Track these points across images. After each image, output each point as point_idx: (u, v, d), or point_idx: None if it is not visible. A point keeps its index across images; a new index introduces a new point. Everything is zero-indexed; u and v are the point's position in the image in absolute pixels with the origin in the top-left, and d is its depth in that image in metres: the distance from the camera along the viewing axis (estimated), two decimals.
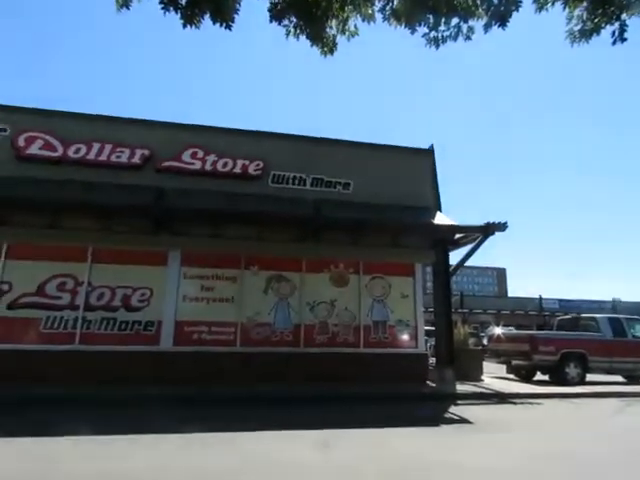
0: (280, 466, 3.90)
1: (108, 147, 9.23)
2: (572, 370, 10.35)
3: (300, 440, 4.90)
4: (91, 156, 9.15)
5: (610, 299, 42.19)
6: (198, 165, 9.59)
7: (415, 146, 11.07)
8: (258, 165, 9.86)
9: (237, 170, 9.76)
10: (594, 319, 11.69)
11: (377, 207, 9.83)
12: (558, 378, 10.36)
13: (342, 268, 10.19)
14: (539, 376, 11.29)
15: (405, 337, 10.09)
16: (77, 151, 9.11)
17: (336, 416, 6.28)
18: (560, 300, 42.35)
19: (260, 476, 3.62)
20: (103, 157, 9.21)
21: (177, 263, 9.28)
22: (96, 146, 9.20)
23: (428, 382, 9.46)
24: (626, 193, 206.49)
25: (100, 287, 8.88)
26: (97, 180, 8.95)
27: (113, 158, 9.25)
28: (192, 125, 10.05)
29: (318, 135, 10.65)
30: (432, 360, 10.95)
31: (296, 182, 10.06)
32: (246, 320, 9.35)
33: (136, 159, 9.34)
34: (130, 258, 9.05)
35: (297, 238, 9.69)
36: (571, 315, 14.09)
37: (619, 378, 11.37)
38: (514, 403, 7.91)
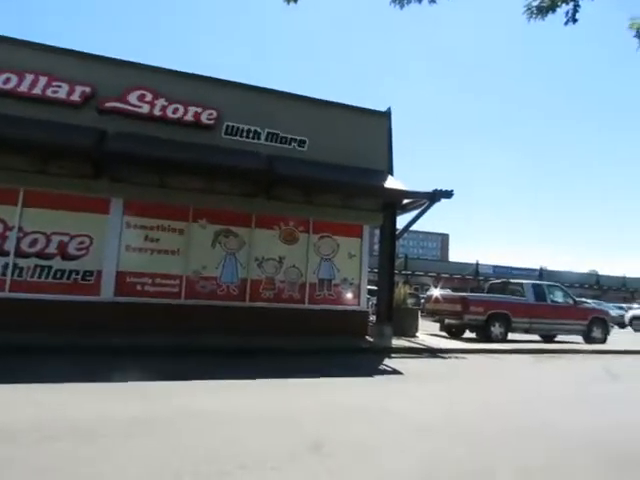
0: (214, 415, 4.07)
1: (43, 79, 8.38)
2: (497, 329, 11.37)
3: (238, 390, 5.11)
4: (23, 88, 8.29)
5: (538, 266, 45.82)
6: (146, 109, 9.00)
7: (372, 108, 11.04)
8: (211, 114, 9.43)
9: (188, 118, 9.28)
10: (520, 284, 12.78)
11: (331, 167, 9.85)
12: (484, 336, 11.34)
13: (292, 226, 10.27)
14: (468, 334, 12.29)
15: (349, 295, 10.52)
16: (6, 82, 8.22)
17: (276, 367, 6.55)
18: (495, 266, 45.41)
19: (192, 425, 3.77)
20: (37, 91, 8.37)
21: (119, 211, 8.90)
22: (29, 77, 8.32)
23: (367, 337, 10.02)
24: (569, 167, 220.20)
25: (33, 233, 8.38)
26: (30, 116, 8.19)
27: (49, 93, 8.44)
28: (141, 64, 9.26)
29: (275, 88, 10.30)
30: (373, 318, 11.54)
31: (250, 135, 9.78)
32: (192, 273, 9.29)
33: (75, 96, 8.58)
34: (67, 203, 8.56)
35: (248, 193, 9.57)
36: (501, 280, 15.27)
37: (536, 337, 12.63)
38: (443, 357, 8.62)
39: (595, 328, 12.50)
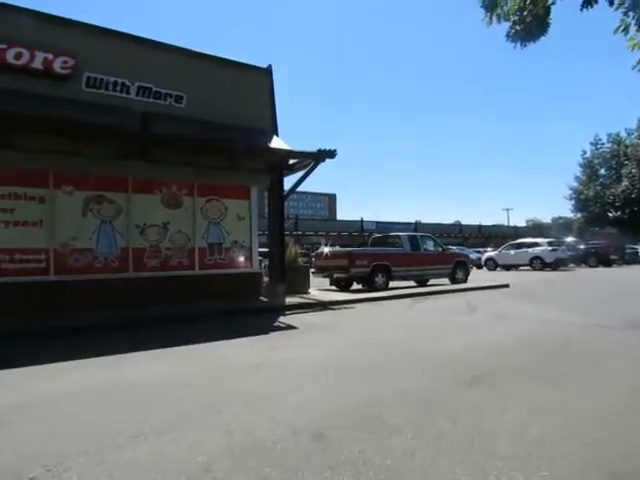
0: (100, 391, 3.83)
1: None
2: (380, 279, 12.43)
3: (123, 363, 4.85)
4: None
5: (414, 221, 50.59)
6: None
7: (253, 64, 10.65)
8: (66, 62, 8.16)
9: (36, 65, 7.91)
10: (398, 237, 14.04)
11: (212, 125, 9.38)
12: (369, 286, 12.33)
13: (175, 189, 9.68)
14: (355, 286, 13.23)
15: (240, 258, 10.46)
16: None
17: (166, 336, 6.32)
18: (378, 222, 48.88)
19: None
20: None
21: None
22: None
23: (262, 298, 10.17)
24: (438, 125, 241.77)
25: None
26: None
27: None
28: None
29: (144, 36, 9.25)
30: (267, 279, 11.70)
31: (118, 89, 8.76)
32: (60, 246, 8.28)
33: None
34: None
35: (121, 154, 8.66)
36: (382, 234, 16.57)
37: (412, 283, 14.15)
38: (333, 309, 9.19)
39: (458, 270, 14.41)
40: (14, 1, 7.84)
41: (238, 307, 8.75)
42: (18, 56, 7.75)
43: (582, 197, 47.56)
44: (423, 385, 3.65)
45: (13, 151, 7.65)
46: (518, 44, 5.30)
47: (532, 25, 5.15)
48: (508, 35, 5.33)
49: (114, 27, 8.93)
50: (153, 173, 9.10)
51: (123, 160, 8.66)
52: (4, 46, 7.61)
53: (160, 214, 9.45)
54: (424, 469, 2.22)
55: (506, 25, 5.32)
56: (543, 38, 5.28)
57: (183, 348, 5.47)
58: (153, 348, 5.40)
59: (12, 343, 5.92)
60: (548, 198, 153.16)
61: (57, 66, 8.07)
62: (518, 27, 5.21)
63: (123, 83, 8.77)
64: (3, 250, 7.77)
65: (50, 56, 7.98)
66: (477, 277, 16.93)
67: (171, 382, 3.98)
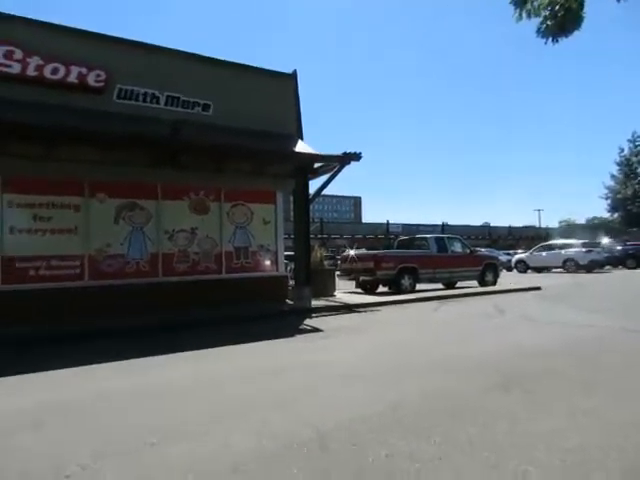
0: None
1: None
2: (406, 281, 12.28)
3: (161, 366, 4.97)
4: None
5: (440, 223, 49.80)
6: (17, 68, 7.81)
7: (277, 70, 10.77)
8: (99, 76, 8.48)
9: (72, 79, 8.25)
10: (425, 239, 13.86)
11: (238, 132, 9.53)
12: (396, 288, 12.21)
13: (202, 195, 9.89)
14: (381, 288, 13.13)
15: (266, 261, 10.56)
16: None
17: (196, 340, 6.45)
18: (404, 224, 48.40)
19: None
20: None
21: None
22: None
23: (288, 301, 10.23)
24: (468, 131, 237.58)
25: None
26: None
27: None
28: (1, 14, 7.93)
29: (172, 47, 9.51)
30: (292, 282, 11.75)
31: (148, 99, 9.03)
32: (94, 252, 8.59)
33: None
34: None
35: (152, 162, 8.93)
36: (408, 236, 16.40)
37: (440, 285, 13.91)
38: (359, 312, 9.15)
39: (487, 272, 14.08)
40: (51, 17, 8.22)
41: (264, 310, 8.84)
42: (55, 71, 8.12)
43: (619, 196, 45.67)
44: (451, 389, 3.58)
45: (51, 162, 8.02)
46: (549, 39, 5.16)
47: (564, 19, 5.00)
48: (539, 31, 5.19)
49: (141, 39, 9.23)
50: (182, 180, 9.34)
51: (153, 168, 8.92)
52: (42, 62, 7.98)
53: (188, 220, 9.67)
54: (454, 475, 2.18)
55: (536, 21, 5.18)
56: (576, 33, 5.12)
57: (212, 351, 5.58)
58: (183, 351, 5.52)
59: (50, 346, 6.18)
60: (582, 198, 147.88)
61: (91, 80, 8.40)
62: (549, 22, 5.06)
63: (153, 94, 9.04)
64: (41, 257, 8.12)
65: (84, 70, 8.32)
66: (507, 280, 16.49)
67: (200, 385, 4.07)
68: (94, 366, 4.84)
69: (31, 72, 7.91)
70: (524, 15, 4.50)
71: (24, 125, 7.21)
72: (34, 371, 4.65)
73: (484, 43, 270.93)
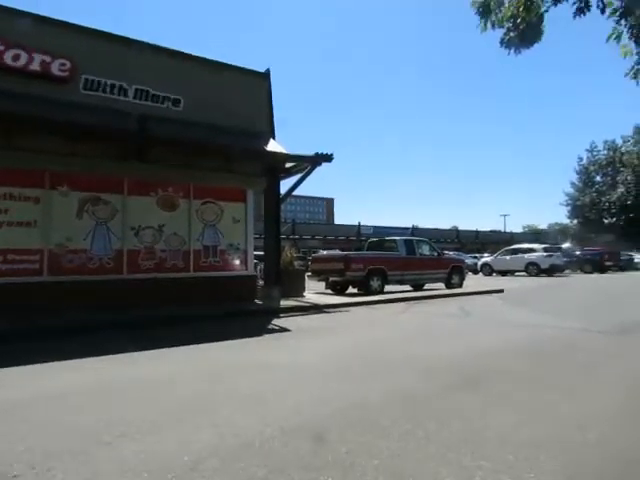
0: (89, 391, 3.83)
1: None
2: (375, 282, 12.44)
3: (117, 363, 4.84)
4: None
5: (410, 225, 50.69)
6: None
7: (251, 68, 10.69)
8: (64, 65, 8.17)
9: (34, 67, 7.91)
10: (394, 241, 14.08)
11: (210, 128, 9.38)
12: (365, 290, 12.34)
13: (171, 192, 9.69)
14: (351, 289, 13.24)
15: (236, 261, 10.45)
16: None
17: (159, 337, 6.31)
18: (375, 226, 48.97)
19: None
20: None
21: None
22: None
23: (257, 301, 10.16)
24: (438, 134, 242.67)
25: None
26: None
27: None
28: None
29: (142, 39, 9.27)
30: (262, 282, 11.68)
31: (115, 91, 8.76)
32: (54, 246, 8.26)
33: None
34: None
35: (118, 156, 8.67)
36: (378, 238, 16.60)
37: (408, 287, 14.16)
38: (328, 312, 9.19)
39: (454, 275, 14.45)
40: (12, 3, 7.87)
41: (232, 309, 8.74)
42: (16, 58, 7.76)
43: (578, 203, 47.90)
44: (413, 388, 3.65)
45: (10, 151, 7.64)
46: (512, 50, 5.35)
47: (526, 32, 5.20)
48: (502, 41, 5.38)
49: (111, 30, 8.96)
50: (149, 175, 9.12)
51: (119, 162, 8.66)
52: (2, 48, 7.62)
53: (155, 216, 9.44)
54: (410, 470, 2.23)
55: (500, 31, 5.37)
56: (537, 45, 5.33)
57: (176, 349, 5.47)
58: (145, 349, 5.39)
59: (6, 343, 5.90)
60: (545, 204, 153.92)
61: (55, 69, 8.08)
62: (512, 34, 5.26)
63: (121, 86, 8.78)
64: None
65: (48, 58, 7.99)
66: (473, 282, 16.97)
67: (161, 382, 3.98)
68: (51, 364, 4.65)
69: None
70: (489, 25, 4.65)
71: None
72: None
73: (452, 44, 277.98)
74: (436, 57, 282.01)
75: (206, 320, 7.86)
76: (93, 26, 8.74)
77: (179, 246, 9.69)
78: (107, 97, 8.63)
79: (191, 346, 5.63)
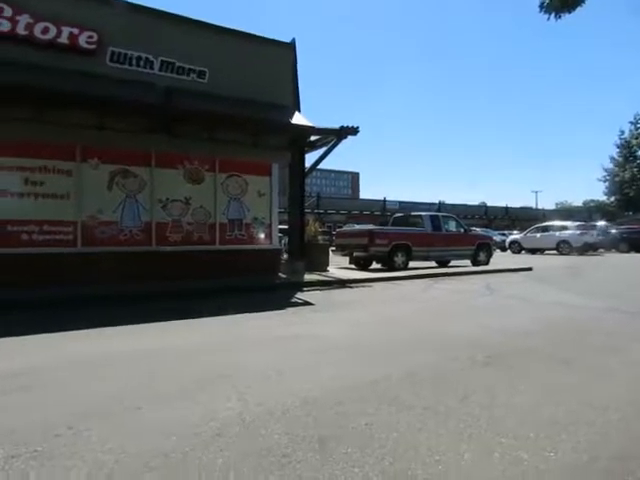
0: (127, 357, 4.01)
1: None
2: (399, 258, 12.36)
3: (147, 333, 5.04)
4: None
5: (437, 201, 49.71)
6: (6, 26, 7.54)
7: (275, 38, 10.46)
8: (91, 37, 8.21)
9: (63, 40, 7.99)
10: (420, 216, 13.85)
11: (235, 101, 9.34)
12: (389, 265, 12.29)
13: (197, 165, 9.77)
14: (375, 265, 13.21)
15: (260, 234, 10.55)
16: None
17: (186, 308, 6.50)
18: (400, 202, 48.28)
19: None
20: None
21: None
22: None
23: (281, 274, 10.29)
24: (468, 110, 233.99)
25: None
26: None
27: None
28: None
29: (166, 9, 9.17)
30: (286, 256, 11.79)
31: (141, 64, 8.78)
32: (87, 218, 8.54)
33: None
34: None
35: (145, 129, 8.75)
36: (403, 214, 16.38)
37: (433, 263, 14.01)
38: (351, 287, 9.24)
39: (480, 252, 14.16)
40: None
41: (256, 283, 8.90)
42: (45, 31, 7.84)
43: (617, 179, 45.60)
44: (436, 364, 3.66)
45: (42, 124, 7.83)
46: (552, 16, 5.02)
47: None
48: (542, 6, 5.04)
49: (136, 1, 8.88)
50: (175, 148, 9.17)
51: (146, 134, 8.75)
52: (31, 21, 7.70)
53: (182, 189, 9.58)
54: (429, 444, 2.25)
55: None
56: (580, 8, 4.97)
57: (201, 320, 5.64)
58: (173, 319, 5.58)
59: (41, 310, 6.22)
60: (580, 181, 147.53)
61: (82, 41, 8.13)
62: None
63: (147, 58, 8.78)
64: (33, 222, 8.07)
65: (76, 31, 8.05)
66: (500, 260, 16.63)
67: (188, 352, 4.13)
68: (86, 331, 4.89)
69: (21, 30, 7.65)
70: None
71: (14, 86, 7.03)
72: (23, 334, 4.69)
73: (487, 21, 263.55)
74: (463, 24, 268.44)
75: (230, 293, 8.03)
76: None
77: (205, 219, 9.84)
78: (133, 69, 8.67)
79: (217, 317, 5.79)
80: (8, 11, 7.53)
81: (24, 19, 7.65)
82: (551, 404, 2.78)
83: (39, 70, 7.51)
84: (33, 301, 6.56)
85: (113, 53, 8.47)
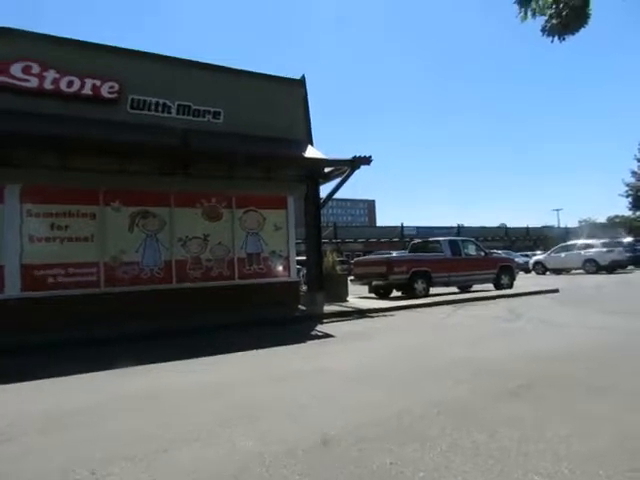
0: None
1: None
2: (419, 285, 12.18)
3: (171, 370, 5.04)
4: None
5: (456, 225, 49.25)
6: (34, 82, 8.08)
7: (287, 76, 10.86)
8: (113, 87, 8.71)
9: (86, 91, 8.49)
10: (438, 242, 13.72)
11: (249, 138, 9.63)
12: (409, 293, 12.11)
13: (214, 202, 10.01)
14: (394, 293, 13.04)
15: (278, 267, 10.61)
16: None
17: (207, 344, 6.50)
18: (418, 227, 48.03)
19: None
20: None
21: (16, 199, 8.08)
22: None
23: (300, 306, 10.24)
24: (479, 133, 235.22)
25: None
26: None
27: None
28: (18, 31, 8.14)
29: (181, 56, 9.69)
30: (305, 287, 11.77)
31: (160, 109, 9.22)
32: (110, 259, 8.77)
33: None
34: None
35: (164, 171, 9.12)
36: (421, 240, 16.25)
37: (454, 289, 13.75)
38: (371, 317, 9.10)
39: (503, 275, 13.85)
40: (59, 30, 8.48)
41: (277, 316, 8.87)
42: (70, 84, 8.36)
43: None
44: (461, 395, 3.53)
45: (68, 171, 8.24)
46: (555, 38, 5.08)
47: (570, 18, 4.92)
48: (544, 29, 5.12)
49: (148, 48, 9.43)
50: (194, 187, 9.49)
51: (166, 176, 9.09)
52: (57, 76, 8.22)
53: (201, 227, 9.79)
54: None
55: (541, 19, 5.11)
56: (583, 30, 5.02)
57: (222, 357, 5.61)
58: (195, 357, 5.58)
59: (68, 351, 6.31)
60: (602, 196, 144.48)
61: (104, 91, 8.62)
62: (554, 20, 5.00)
63: (164, 103, 9.22)
64: (60, 265, 8.33)
65: (98, 82, 8.55)
66: (524, 282, 16.21)
67: (210, 389, 4.10)
68: (110, 372, 4.92)
69: (48, 85, 8.17)
70: (529, 14, 4.45)
71: (42, 137, 7.44)
72: (47, 377, 4.74)
73: (493, 37, 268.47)
74: (471, 49, 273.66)
75: (251, 327, 8.01)
76: (136, 47, 9.25)
77: (224, 255, 9.98)
78: (152, 114, 9.09)
79: (237, 354, 5.76)
80: (36, 68, 8.07)
81: (51, 75, 8.19)
82: (587, 436, 2.63)
83: (64, 120, 7.95)
84: (58, 342, 6.67)
85: (133, 100, 8.92)
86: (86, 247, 8.60)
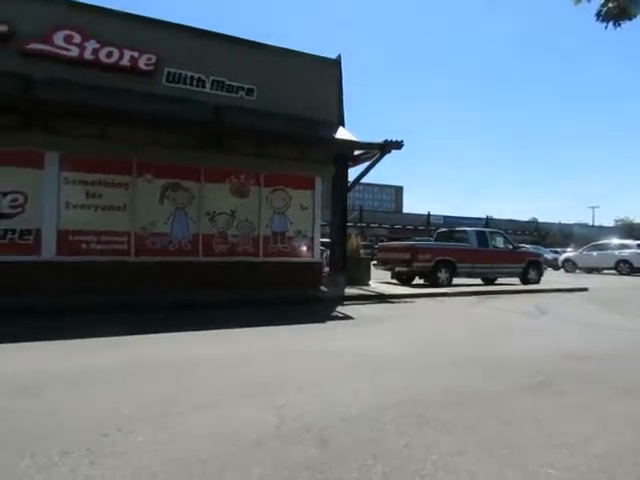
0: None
1: None
2: (443, 274, 12.03)
3: (192, 340, 5.20)
4: None
5: (485, 216, 48.14)
6: (75, 52, 8.23)
7: (322, 55, 10.70)
8: (150, 59, 8.79)
9: (124, 62, 8.61)
10: (465, 232, 13.46)
11: (281, 117, 9.60)
12: (432, 281, 12.00)
13: (243, 179, 10.08)
14: (417, 280, 12.95)
15: (302, 247, 10.67)
16: None
17: (231, 318, 6.66)
18: (445, 216, 47.24)
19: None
20: None
21: (56, 166, 8.33)
22: None
23: (322, 288, 10.32)
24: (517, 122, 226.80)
25: None
26: None
27: None
28: (63, 0, 8.33)
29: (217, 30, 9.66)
30: (327, 269, 11.82)
31: (194, 83, 9.26)
32: (140, 229, 9.01)
33: None
34: None
35: (196, 145, 9.23)
36: (448, 229, 15.99)
37: (478, 280, 13.53)
38: (392, 302, 9.10)
39: (530, 270, 13.51)
40: (103, 2, 8.59)
41: (298, 295, 8.97)
42: (109, 55, 8.49)
43: None
44: (479, 386, 3.52)
45: (104, 141, 8.45)
46: (610, 24, 4.81)
47: (627, 2, 4.65)
48: (599, 14, 4.85)
49: (189, 23, 9.42)
50: (224, 163, 9.57)
51: (197, 150, 9.20)
52: (97, 46, 8.36)
53: (229, 202, 9.91)
54: (470, 468, 2.17)
55: (596, 3, 4.85)
56: None
57: (243, 330, 5.75)
58: (216, 328, 5.73)
59: (98, 315, 6.60)
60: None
61: (142, 63, 8.72)
62: (610, 4, 4.73)
63: (199, 77, 9.25)
64: (93, 232, 8.62)
65: (136, 54, 8.64)
66: (552, 279, 15.79)
67: (229, 362, 4.22)
68: (134, 337, 5.13)
69: (88, 55, 8.31)
70: None
71: (82, 106, 7.64)
72: (79, 337, 4.99)
73: (544, 22, 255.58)
74: (515, 31, 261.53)
75: (272, 304, 8.15)
76: (175, 21, 9.28)
77: (249, 232, 10.10)
78: (187, 88, 9.15)
79: (256, 328, 5.90)
80: (77, 38, 8.22)
81: (91, 45, 8.32)
82: (607, 435, 2.59)
83: (103, 90, 8.11)
84: (89, 306, 6.98)
85: (169, 73, 9.00)
86: (118, 216, 8.86)
